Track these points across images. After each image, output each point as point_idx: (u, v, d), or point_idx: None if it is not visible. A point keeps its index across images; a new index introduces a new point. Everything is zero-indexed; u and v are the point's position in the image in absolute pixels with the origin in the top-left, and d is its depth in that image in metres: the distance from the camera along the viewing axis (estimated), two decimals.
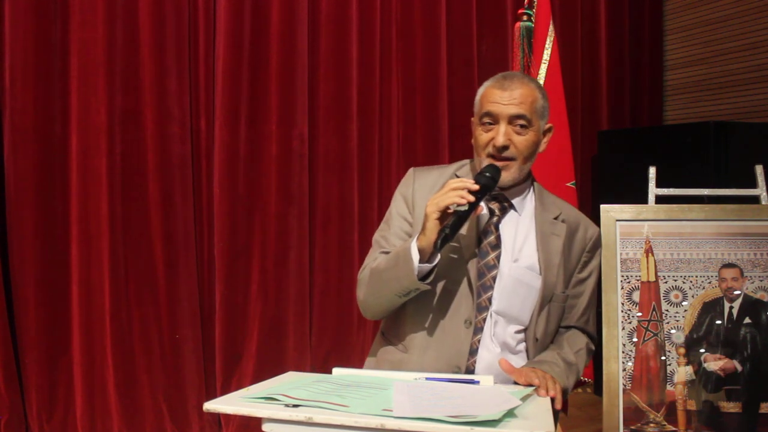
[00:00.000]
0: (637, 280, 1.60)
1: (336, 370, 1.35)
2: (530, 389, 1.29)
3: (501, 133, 1.46)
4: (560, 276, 1.54)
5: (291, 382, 1.23)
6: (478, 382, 1.30)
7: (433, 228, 1.36)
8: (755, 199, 1.75)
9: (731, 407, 1.54)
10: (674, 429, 1.54)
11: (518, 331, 1.52)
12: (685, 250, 1.62)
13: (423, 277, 1.40)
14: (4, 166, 2.58)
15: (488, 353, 1.48)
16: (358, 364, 3.09)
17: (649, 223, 1.63)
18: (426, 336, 1.49)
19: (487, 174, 1.41)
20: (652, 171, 1.81)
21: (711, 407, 1.54)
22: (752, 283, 1.60)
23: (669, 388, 1.56)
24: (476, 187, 1.36)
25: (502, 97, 1.47)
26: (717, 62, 3.85)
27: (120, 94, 2.73)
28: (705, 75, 3.93)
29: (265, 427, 1.06)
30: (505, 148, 1.46)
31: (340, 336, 3.15)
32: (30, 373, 2.60)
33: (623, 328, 1.58)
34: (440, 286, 1.48)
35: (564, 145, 2.54)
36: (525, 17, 2.57)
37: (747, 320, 1.58)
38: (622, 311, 1.59)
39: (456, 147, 3.38)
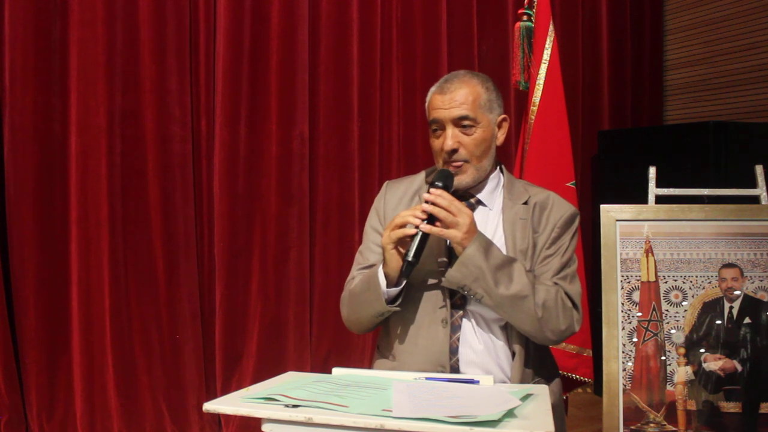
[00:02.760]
0: (637, 280, 1.60)
1: (336, 370, 1.35)
2: (530, 388, 1.28)
3: (448, 138, 1.48)
4: (529, 257, 1.50)
5: (291, 382, 1.23)
6: (478, 382, 1.29)
7: (391, 258, 1.41)
8: (755, 199, 1.75)
9: (731, 407, 1.54)
10: (674, 429, 1.54)
11: (500, 326, 1.50)
12: (685, 250, 1.62)
13: (393, 299, 1.45)
14: (4, 166, 2.58)
15: (470, 351, 1.48)
16: (358, 364, 3.11)
17: (649, 223, 1.63)
18: (409, 341, 1.51)
19: (438, 183, 1.43)
20: (652, 171, 1.81)
21: (711, 407, 1.54)
22: (752, 283, 1.60)
23: (669, 388, 1.55)
24: (423, 215, 1.38)
25: (443, 101, 1.49)
26: (717, 62, 3.85)
27: (120, 94, 2.73)
28: (705, 75, 3.93)
29: (264, 427, 1.06)
30: (455, 151, 1.49)
31: (340, 336, 3.15)
32: (30, 373, 2.60)
33: (623, 328, 1.58)
34: (417, 291, 1.50)
35: (564, 145, 2.54)
36: (525, 17, 2.56)
37: (747, 320, 1.58)
38: (622, 311, 1.59)
39: None
